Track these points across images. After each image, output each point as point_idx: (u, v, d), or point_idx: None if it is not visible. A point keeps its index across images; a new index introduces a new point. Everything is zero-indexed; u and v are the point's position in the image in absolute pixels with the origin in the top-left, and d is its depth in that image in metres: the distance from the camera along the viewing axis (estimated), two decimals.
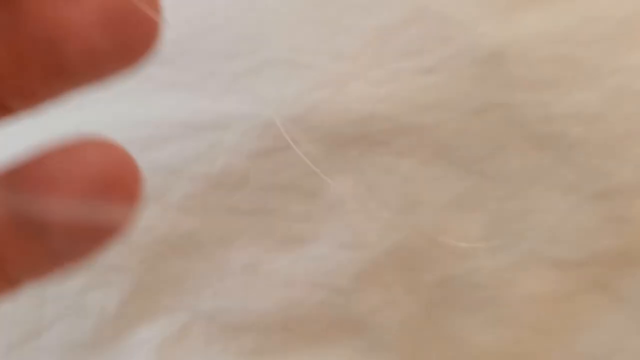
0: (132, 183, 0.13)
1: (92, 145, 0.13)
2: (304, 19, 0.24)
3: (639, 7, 0.25)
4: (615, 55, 0.24)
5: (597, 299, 0.25)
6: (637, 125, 0.24)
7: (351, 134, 0.23)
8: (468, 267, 0.24)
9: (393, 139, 0.24)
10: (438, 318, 0.24)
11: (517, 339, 0.25)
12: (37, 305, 0.25)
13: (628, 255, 0.25)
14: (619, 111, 0.24)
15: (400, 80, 0.23)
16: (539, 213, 0.24)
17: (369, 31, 0.24)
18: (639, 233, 0.25)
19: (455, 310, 0.24)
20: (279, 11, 0.24)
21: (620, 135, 0.24)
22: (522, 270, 0.24)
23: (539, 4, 0.24)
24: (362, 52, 0.24)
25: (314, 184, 0.24)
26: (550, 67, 0.23)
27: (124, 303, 0.24)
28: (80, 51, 0.12)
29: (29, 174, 0.13)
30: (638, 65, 0.24)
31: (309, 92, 0.24)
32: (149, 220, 0.24)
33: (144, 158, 0.23)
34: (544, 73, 0.24)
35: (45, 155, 0.13)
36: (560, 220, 0.24)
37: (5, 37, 0.12)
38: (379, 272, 0.24)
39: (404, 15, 0.23)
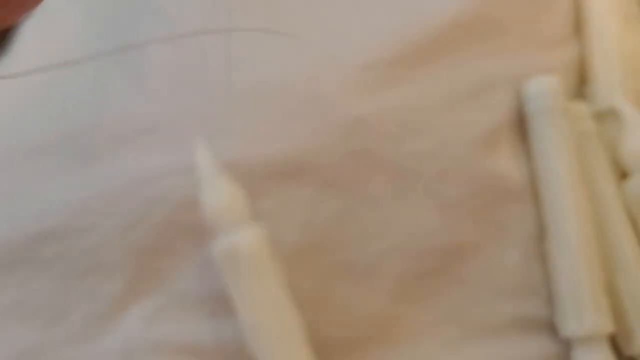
0: None
1: None
2: None
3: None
4: (437, 117, 0.37)
5: (444, 279, 0.37)
6: (452, 162, 0.37)
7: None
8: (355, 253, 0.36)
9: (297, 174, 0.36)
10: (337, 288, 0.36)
11: (389, 306, 0.36)
12: (66, 296, 0.36)
13: (460, 248, 0.37)
14: (441, 152, 0.37)
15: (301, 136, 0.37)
16: (395, 220, 0.36)
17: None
18: (466, 232, 0.37)
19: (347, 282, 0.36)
20: None
21: (445, 168, 0.37)
22: (390, 255, 0.36)
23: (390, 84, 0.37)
24: None
25: None
26: (395, 125, 0.37)
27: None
28: None
29: None
30: (453, 122, 0.37)
31: None
32: (140, 232, 0.36)
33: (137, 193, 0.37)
34: (393, 130, 0.37)
35: None
36: (410, 224, 0.36)
37: None
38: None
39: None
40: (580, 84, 0.42)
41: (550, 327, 0.36)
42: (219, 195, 0.33)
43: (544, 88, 0.38)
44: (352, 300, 0.36)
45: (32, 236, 0.36)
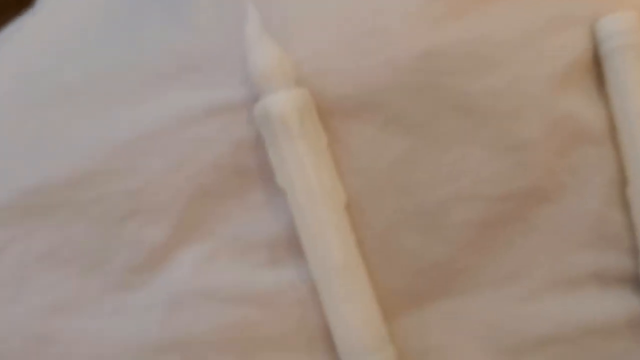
0: None
1: None
2: None
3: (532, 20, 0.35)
4: (516, 52, 0.34)
5: (516, 227, 0.33)
6: (531, 97, 0.34)
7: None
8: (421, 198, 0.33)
9: (360, 112, 0.34)
10: (398, 237, 0.33)
11: (455, 256, 0.33)
12: (104, 242, 0.34)
13: (535, 193, 0.34)
14: (516, 89, 0.34)
15: (363, 70, 0.34)
16: (467, 162, 0.33)
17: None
18: (540, 177, 0.34)
19: (410, 231, 0.33)
20: None
21: (519, 105, 0.34)
22: (459, 201, 0.33)
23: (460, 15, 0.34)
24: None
25: None
26: (466, 59, 0.34)
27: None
28: None
29: None
30: (529, 58, 0.34)
31: None
32: (189, 172, 0.34)
33: (184, 132, 0.34)
34: (464, 64, 0.34)
35: None
36: (482, 167, 0.33)
37: None
38: None
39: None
40: None
41: (634, 281, 0.33)
42: (266, 57, 0.32)
43: (621, 25, 0.35)
44: (417, 249, 0.33)
45: (71, 179, 0.34)
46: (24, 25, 0.39)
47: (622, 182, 0.34)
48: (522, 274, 0.33)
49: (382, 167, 0.32)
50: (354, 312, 0.30)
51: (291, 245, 0.32)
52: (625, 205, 0.34)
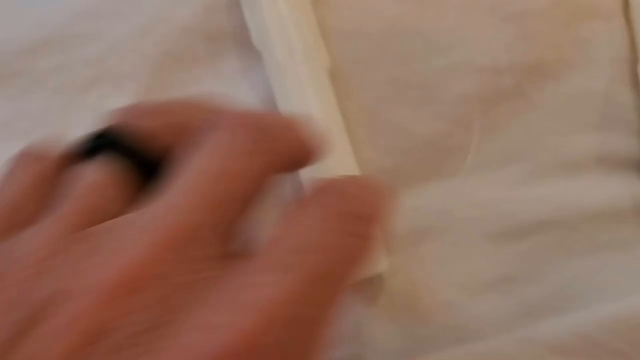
0: None
1: None
2: None
3: None
4: None
5: (516, 104, 0.31)
6: None
7: None
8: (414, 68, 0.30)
9: None
10: (387, 110, 0.30)
11: (450, 133, 0.30)
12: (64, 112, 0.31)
13: (539, 68, 0.31)
14: None
15: None
16: (464, 30, 0.30)
17: None
18: (544, 50, 0.31)
19: (401, 105, 0.30)
20: None
21: None
22: (455, 72, 0.30)
23: None
24: None
25: None
26: None
27: None
28: None
29: None
30: None
31: None
32: (156, 37, 0.30)
33: None
34: None
35: None
36: (481, 36, 0.30)
37: None
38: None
39: None
40: None
41: None
42: None
43: None
44: (407, 125, 0.30)
45: (28, 46, 0.31)
46: None
47: (633, 60, 0.31)
48: (521, 155, 0.30)
49: (371, 31, 0.29)
50: None
51: None
52: (635, 85, 0.31)
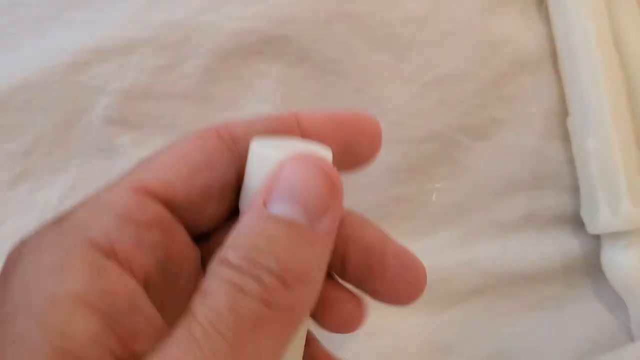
0: None
1: None
2: None
3: None
4: None
5: (445, 169, 0.30)
6: (458, 24, 0.30)
7: (231, 46, 0.29)
8: None
9: (264, 48, 0.30)
10: None
11: (380, 204, 0.30)
12: None
13: (465, 130, 0.30)
14: (442, 14, 0.30)
15: (263, 1, 0.30)
16: (385, 102, 0.30)
17: None
18: (471, 112, 0.30)
19: None
20: None
21: (445, 33, 0.30)
22: None
23: None
24: None
25: (205, 91, 0.30)
26: None
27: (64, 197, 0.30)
28: None
29: None
30: None
31: (194, 16, 0.30)
32: (80, 130, 0.30)
33: (71, 80, 0.29)
34: None
35: None
36: (402, 106, 0.30)
37: None
38: None
39: None
40: None
41: (573, 222, 0.30)
42: None
43: None
44: None
45: None
46: None
47: (562, 113, 0.31)
48: (452, 219, 0.30)
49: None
50: None
51: None
52: (565, 138, 0.30)
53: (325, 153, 0.17)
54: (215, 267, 0.15)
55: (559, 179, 0.30)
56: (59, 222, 0.16)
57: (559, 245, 0.30)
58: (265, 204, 0.16)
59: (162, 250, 0.17)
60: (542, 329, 0.30)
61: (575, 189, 0.30)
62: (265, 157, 0.17)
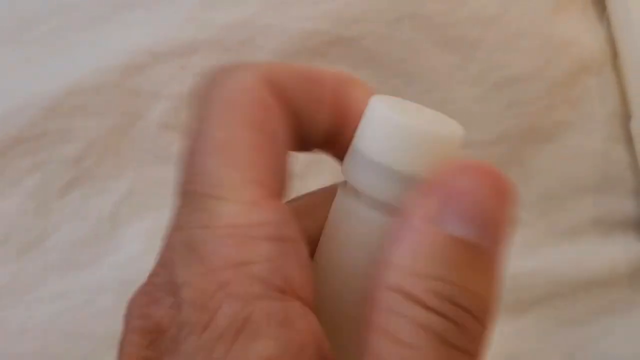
0: None
1: None
2: None
3: None
4: None
5: (512, 172, 0.30)
6: (526, 24, 0.30)
7: (295, 48, 0.29)
8: None
9: (328, 50, 0.29)
10: None
11: None
12: (43, 214, 0.29)
13: (531, 133, 0.30)
14: (509, 14, 0.30)
15: (327, 1, 0.29)
16: (452, 103, 0.29)
17: None
18: (538, 114, 0.30)
19: None
20: None
21: (512, 34, 0.30)
22: None
23: None
24: None
25: None
26: None
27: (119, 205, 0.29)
28: None
29: None
30: None
31: (257, 17, 0.29)
32: (135, 136, 0.29)
33: (126, 83, 0.28)
34: None
35: None
36: (470, 108, 0.29)
37: None
38: None
39: None
40: None
41: (637, 226, 0.30)
42: None
43: None
44: None
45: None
46: None
47: (625, 115, 0.31)
48: (520, 225, 0.29)
49: None
50: None
51: None
52: (629, 141, 0.30)
53: (460, 131, 0.15)
54: (397, 302, 0.13)
55: (623, 182, 0.30)
56: None
57: (625, 250, 0.30)
58: (434, 220, 0.13)
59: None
60: (612, 333, 0.29)
61: (638, 192, 0.30)
62: (413, 133, 0.14)
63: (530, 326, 0.29)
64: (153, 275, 0.14)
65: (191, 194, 0.14)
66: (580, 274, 0.29)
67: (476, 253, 0.13)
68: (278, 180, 0.14)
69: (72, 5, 0.30)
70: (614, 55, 0.31)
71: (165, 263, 0.14)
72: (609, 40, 0.31)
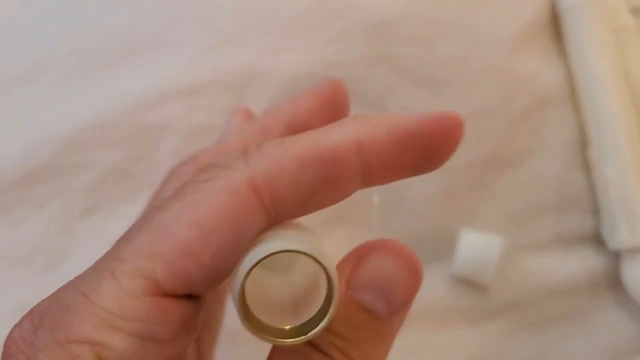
0: None
1: None
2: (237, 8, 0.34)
3: None
4: (468, 15, 0.34)
5: (478, 195, 0.33)
6: (488, 63, 0.34)
7: (287, 88, 0.33)
8: None
9: None
10: None
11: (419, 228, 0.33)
12: (65, 236, 0.33)
13: (496, 160, 0.33)
14: (473, 55, 0.33)
15: (315, 48, 0.33)
16: None
17: (286, 15, 0.33)
18: (501, 143, 0.34)
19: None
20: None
21: (477, 72, 0.33)
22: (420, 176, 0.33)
23: None
24: (285, 31, 0.33)
25: None
26: (422, 26, 0.33)
27: None
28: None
29: None
30: (485, 21, 0.34)
31: (253, 61, 0.33)
32: (150, 164, 0.33)
33: (139, 119, 0.32)
34: (418, 32, 0.33)
35: None
36: None
37: None
38: None
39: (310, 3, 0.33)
40: None
41: (595, 241, 0.34)
42: None
43: None
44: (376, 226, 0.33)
45: (23, 176, 0.33)
46: None
47: (582, 143, 0.34)
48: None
49: None
50: None
51: None
52: (586, 166, 0.34)
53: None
54: (306, 351, 0.14)
55: (581, 203, 0.34)
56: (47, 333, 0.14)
57: (584, 262, 0.33)
58: (348, 284, 0.15)
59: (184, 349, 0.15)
60: (566, 340, 0.33)
61: (595, 211, 0.34)
62: None
63: (494, 332, 0.32)
64: (30, 315, 0.15)
65: (105, 258, 0.15)
66: (547, 284, 0.33)
67: (377, 323, 0.15)
68: (191, 279, 0.14)
69: (82, 51, 0.34)
70: (571, 88, 0.35)
71: (42, 312, 0.15)
72: (567, 75, 0.35)
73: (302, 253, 0.13)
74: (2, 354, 0.14)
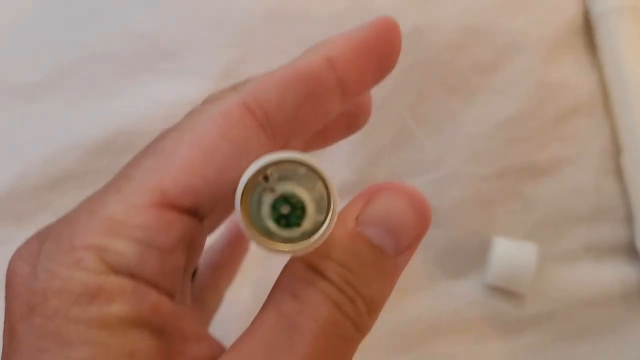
0: None
1: None
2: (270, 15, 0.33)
3: None
4: (500, 21, 0.33)
5: (513, 203, 0.33)
6: (520, 70, 0.33)
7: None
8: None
9: None
10: None
11: (452, 236, 0.33)
12: None
13: (529, 168, 0.33)
14: (508, 62, 0.33)
15: None
16: (458, 141, 0.33)
17: (321, 21, 0.33)
18: (534, 150, 0.33)
19: None
20: None
21: (509, 80, 0.33)
22: (452, 183, 0.32)
23: None
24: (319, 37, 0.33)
25: None
26: (455, 33, 0.33)
27: None
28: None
29: None
30: (517, 28, 0.33)
31: None
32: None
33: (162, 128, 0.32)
34: (450, 39, 0.33)
35: None
36: (474, 145, 0.33)
37: None
38: None
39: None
40: None
41: (628, 251, 0.33)
42: None
43: None
44: None
45: (42, 184, 0.32)
46: None
47: (615, 151, 0.34)
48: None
49: (358, 166, 0.32)
50: None
51: None
52: (619, 175, 0.33)
53: None
54: (308, 275, 0.15)
55: (614, 212, 0.33)
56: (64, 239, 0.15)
57: (617, 273, 0.32)
58: (357, 221, 0.15)
59: (184, 264, 0.16)
60: (601, 352, 0.32)
61: (629, 220, 0.33)
62: None
63: (528, 344, 0.32)
64: (37, 234, 0.15)
65: (112, 180, 0.15)
66: (577, 294, 0.32)
67: (383, 259, 0.15)
68: (197, 192, 0.15)
69: (109, 55, 0.34)
70: (604, 95, 0.34)
71: (48, 229, 0.15)
72: (599, 82, 0.34)
73: (300, 162, 0.14)
74: (8, 265, 0.15)
